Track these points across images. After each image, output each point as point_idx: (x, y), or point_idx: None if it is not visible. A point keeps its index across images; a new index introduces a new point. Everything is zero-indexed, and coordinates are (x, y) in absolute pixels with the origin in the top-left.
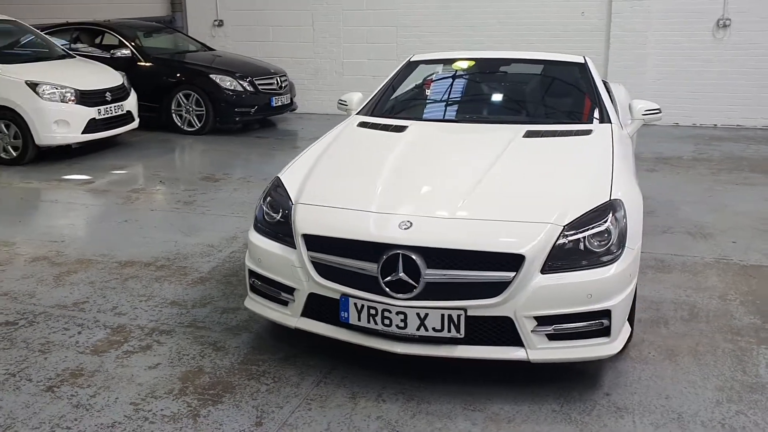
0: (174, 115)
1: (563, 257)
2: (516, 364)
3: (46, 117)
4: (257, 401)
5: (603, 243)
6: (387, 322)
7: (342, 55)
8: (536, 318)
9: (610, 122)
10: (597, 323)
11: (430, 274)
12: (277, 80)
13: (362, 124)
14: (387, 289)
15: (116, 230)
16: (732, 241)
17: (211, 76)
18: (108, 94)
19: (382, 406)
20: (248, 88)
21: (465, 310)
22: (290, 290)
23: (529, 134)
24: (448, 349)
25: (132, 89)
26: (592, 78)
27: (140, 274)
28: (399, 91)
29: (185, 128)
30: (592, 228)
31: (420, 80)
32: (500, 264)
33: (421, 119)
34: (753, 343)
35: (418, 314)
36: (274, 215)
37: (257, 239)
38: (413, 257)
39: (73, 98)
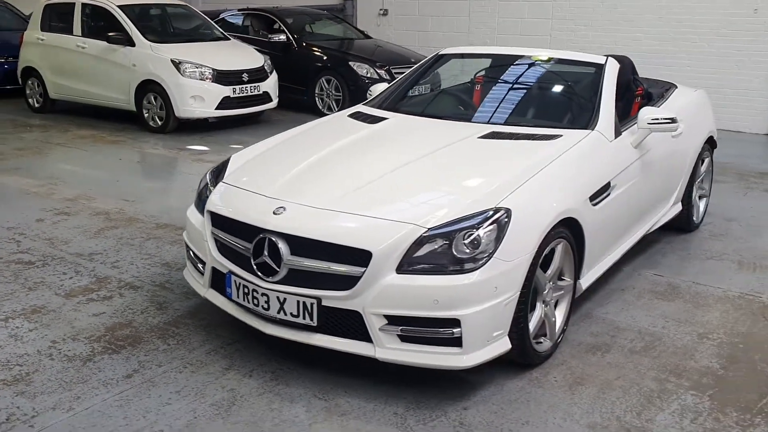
0: (317, 99)
1: (424, 259)
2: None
3: (185, 92)
4: (146, 357)
5: (470, 250)
6: (255, 302)
7: (497, 46)
8: (387, 317)
9: (594, 129)
10: (446, 331)
11: (292, 261)
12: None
13: (352, 114)
14: (256, 271)
15: (189, 197)
16: None
17: (350, 63)
18: (245, 74)
19: (243, 380)
20: (384, 75)
21: (319, 299)
22: (203, 262)
23: (488, 135)
24: (307, 336)
25: (273, 72)
26: (602, 81)
27: (166, 236)
28: (417, 85)
29: (325, 111)
30: (462, 233)
31: (456, 74)
32: (352, 258)
33: (404, 113)
34: (684, 387)
35: (278, 298)
36: (206, 191)
37: (190, 211)
38: (277, 242)
39: (209, 76)
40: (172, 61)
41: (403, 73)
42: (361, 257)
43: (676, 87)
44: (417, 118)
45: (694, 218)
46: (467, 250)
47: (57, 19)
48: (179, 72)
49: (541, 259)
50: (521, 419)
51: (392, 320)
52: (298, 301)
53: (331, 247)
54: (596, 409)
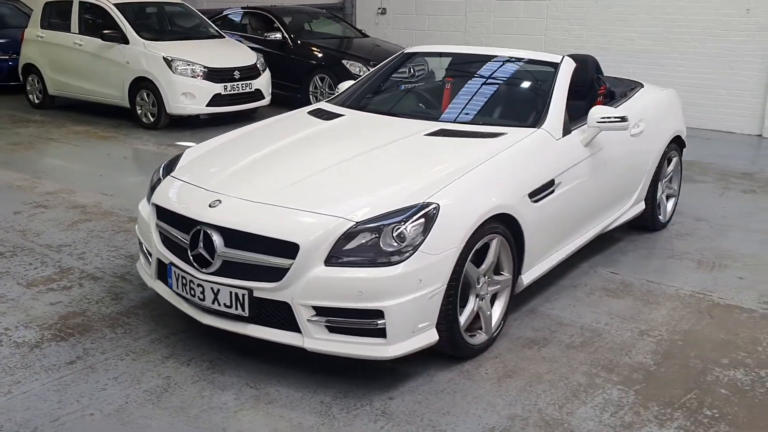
0: (311, 96)
1: (353, 252)
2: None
3: (176, 89)
4: (92, 345)
5: (397, 244)
6: (192, 292)
7: (491, 46)
8: (315, 308)
9: (540, 128)
10: (370, 322)
11: (225, 253)
12: (410, 69)
13: (312, 111)
14: (193, 262)
15: None
16: (739, 277)
17: (343, 61)
18: (236, 72)
19: (180, 368)
20: None
21: (251, 290)
22: (151, 254)
23: (435, 133)
24: (241, 326)
25: (266, 70)
26: (555, 80)
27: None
28: (380, 82)
29: None
30: (390, 227)
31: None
32: (281, 251)
33: (361, 110)
34: (612, 382)
35: (212, 288)
36: (158, 185)
37: (141, 204)
38: (212, 234)
39: (200, 74)
40: (164, 58)
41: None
42: (290, 249)
43: (642, 86)
44: (372, 115)
45: (661, 217)
46: (394, 244)
47: (56, 17)
48: (171, 69)
49: (472, 254)
50: (443, 410)
51: (320, 311)
52: (231, 292)
53: (261, 239)
54: (520, 401)
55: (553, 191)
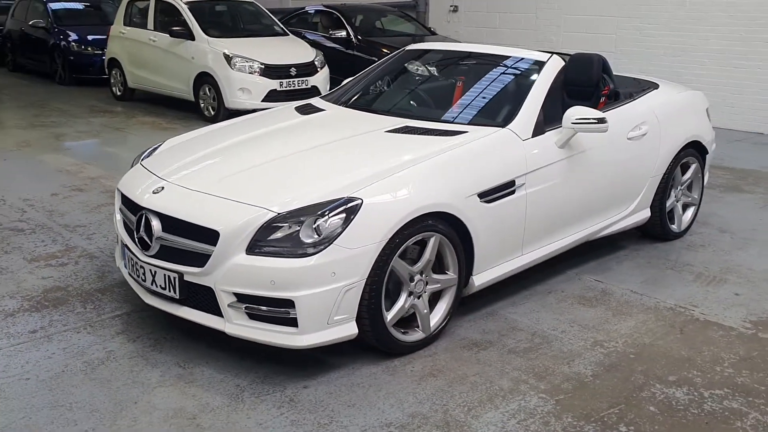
0: None
1: (274, 242)
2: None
3: (233, 84)
4: (59, 317)
5: (315, 236)
6: (137, 273)
7: (561, 44)
8: (236, 294)
9: (505, 127)
10: (283, 312)
11: (162, 237)
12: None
13: (299, 106)
14: (137, 244)
15: None
16: (736, 293)
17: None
18: (293, 69)
19: (126, 344)
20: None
21: (181, 274)
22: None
23: (396, 129)
24: (175, 308)
25: (325, 67)
26: (538, 79)
27: None
28: (378, 79)
29: None
30: (311, 219)
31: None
32: (205, 237)
33: (345, 105)
34: (537, 390)
35: (150, 270)
36: None
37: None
38: (151, 219)
39: (257, 70)
40: (224, 54)
41: None
42: (212, 236)
43: (657, 87)
44: (352, 111)
45: (674, 227)
46: (314, 236)
47: (136, 15)
48: (229, 65)
49: (402, 251)
50: (350, 402)
51: (240, 298)
52: (165, 275)
53: (189, 225)
54: (431, 400)
55: (512, 192)
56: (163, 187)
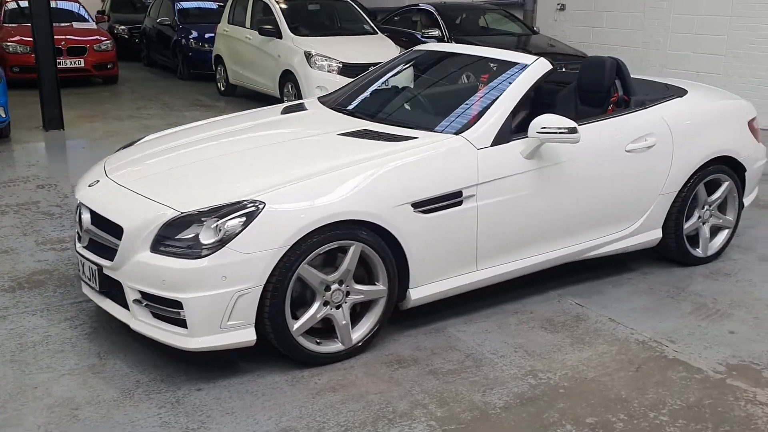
0: None
1: (176, 242)
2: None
3: (312, 82)
4: (27, 299)
5: (212, 238)
6: (78, 263)
7: (668, 45)
8: (140, 291)
9: (460, 135)
10: (174, 312)
11: (89, 230)
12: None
13: (288, 106)
14: (78, 236)
15: None
16: (731, 331)
17: None
18: (372, 68)
19: (66, 330)
20: None
21: (100, 267)
22: None
23: (350, 133)
24: (100, 299)
25: None
26: (512, 85)
27: None
28: (375, 80)
29: None
30: (212, 220)
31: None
32: (115, 231)
33: (325, 105)
34: (430, 417)
35: (81, 261)
36: None
37: None
38: (83, 212)
39: (335, 69)
40: (305, 53)
41: None
42: (119, 231)
43: (683, 94)
44: (330, 112)
45: (698, 251)
46: (213, 237)
47: (239, 13)
48: (309, 63)
49: (311, 258)
50: (230, 409)
51: (143, 295)
52: (89, 267)
53: (104, 219)
54: (313, 416)
55: (459, 204)
56: (98, 181)
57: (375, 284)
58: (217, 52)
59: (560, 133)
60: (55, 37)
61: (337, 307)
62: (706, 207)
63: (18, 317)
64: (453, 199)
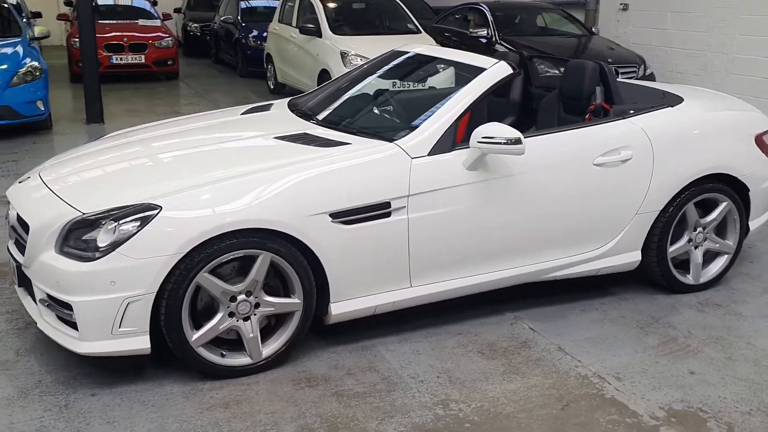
0: None
1: (77, 243)
2: None
3: None
4: None
5: (108, 241)
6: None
7: (735, 49)
8: (47, 292)
9: (393, 142)
10: (68, 314)
11: (13, 226)
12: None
13: (253, 107)
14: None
15: None
16: (691, 371)
17: (533, 59)
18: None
19: (1, 325)
20: None
21: (19, 264)
22: None
23: (287, 136)
24: (23, 295)
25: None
26: (461, 90)
27: None
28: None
29: None
30: (109, 223)
31: None
32: (26, 229)
33: (294, 107)
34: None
35: (9, 258)
36: None
37: None
38: (9, 208)
39: None
40: (341, 52)
41: None
42: (27, 229)
43: (677, 103)
44: (288, 114)
45: (689, 277)
46: (108, 240)
47: (287, 12)
48: (344, 63)
49: (212, 266)
50: (113, 419)
51: (48, 295)
52: (12, 263)
53: (20, 217)
54: (191, 431)
55: (387, 215)
56: (29, 177)
57: (290, 297)
58: (267, 51)
59: (502, 143)
60: (119, 33)
61: (246, 319)
62: (699, 229)
63: None
64: (379, 210)
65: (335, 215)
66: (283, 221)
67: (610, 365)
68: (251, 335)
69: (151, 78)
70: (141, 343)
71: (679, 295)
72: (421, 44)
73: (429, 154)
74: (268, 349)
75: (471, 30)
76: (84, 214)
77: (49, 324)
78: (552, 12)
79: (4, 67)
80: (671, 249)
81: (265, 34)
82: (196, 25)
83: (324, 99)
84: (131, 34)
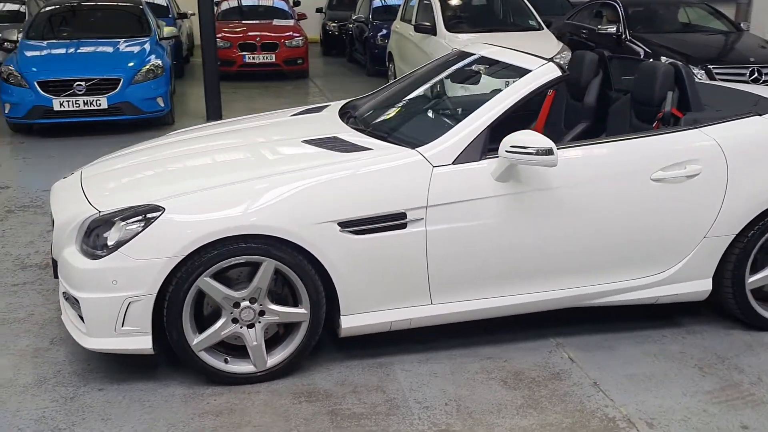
0: None
1: (94, 240)
2: None
3: None
4: (44, 278)
5: (115, 240)
6: None
7: None
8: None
9: (416, 149)
10: (76, 307)
11: (53, 220)
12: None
13: (309, 108)
14: None
15: None
16: (743, 426)
17: (662, 57)
18: None
19: (50, 313)
20: (700, 75)
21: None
22: None
23: (314, 141)
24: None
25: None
26: (499, 94)
27: None
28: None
29: None
30: (119, 221)
31: None
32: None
33: (336, 109)
34: None
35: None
36: None
37: None
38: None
39: None
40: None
41: (727, 72)
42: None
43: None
44: (330, 116)
45: None
46: (115, 239)
47: (408, 10)
48: None
49: (214, 271)
50: (108, 416)
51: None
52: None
53: None
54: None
55: (402, 227)
56: (71, 174)
57: (297, 307)
58: (389, 49)
59: (532, 153)
60: (252, 33)
61: (250, 326)
62: None
63: (25, 293)
64: (393, 221)
65: (344, 224)
66: (286, 228)
67: (646, 408)
68: (255, 343)
69: (281, 76)
70: (143, 342)
71: (762, 333)
72: (490, 45)
73: (454, 163)
74: (274, 358)
75: (599, 26)
76: (100, 212)
77: (68, 317)
78: (696, 7)
79: (131, 64)
80: (752, 279)
81: None
82: (334, 24)
83: (376, 102)
84: (264, 33)
